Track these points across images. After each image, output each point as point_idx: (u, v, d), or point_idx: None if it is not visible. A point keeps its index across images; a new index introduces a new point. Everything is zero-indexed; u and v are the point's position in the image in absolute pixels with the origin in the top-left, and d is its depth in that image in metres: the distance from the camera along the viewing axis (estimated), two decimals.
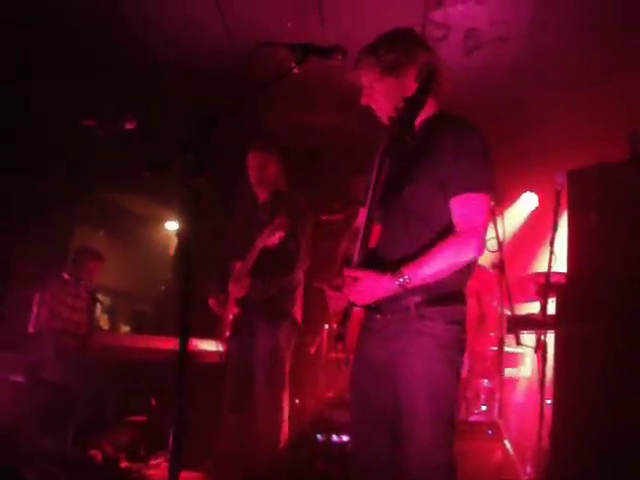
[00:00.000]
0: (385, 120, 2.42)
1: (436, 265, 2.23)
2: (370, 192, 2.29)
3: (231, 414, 4.01)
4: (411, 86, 2.33)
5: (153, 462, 4.92)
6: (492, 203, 2.33)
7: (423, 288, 2.27)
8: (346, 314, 2.41)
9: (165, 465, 4.71)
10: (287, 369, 3.98)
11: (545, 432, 3.71)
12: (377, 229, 2.29)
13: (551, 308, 3.98)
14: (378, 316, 2.37)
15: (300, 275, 4.11)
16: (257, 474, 3.81)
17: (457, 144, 2.29)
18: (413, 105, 2.19)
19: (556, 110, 5.31)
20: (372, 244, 2.29)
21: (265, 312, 3.96)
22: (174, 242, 7.94)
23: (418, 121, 2.32)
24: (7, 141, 5.51)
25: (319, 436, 4.45)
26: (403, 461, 2.26)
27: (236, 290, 4.01)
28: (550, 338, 3.92)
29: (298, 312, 4.11)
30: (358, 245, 2.31)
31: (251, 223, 4.09)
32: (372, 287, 2.25)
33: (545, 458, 3.69)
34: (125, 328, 7.79)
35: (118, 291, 8.17)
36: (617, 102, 4.91)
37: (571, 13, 4.30)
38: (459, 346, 2.34)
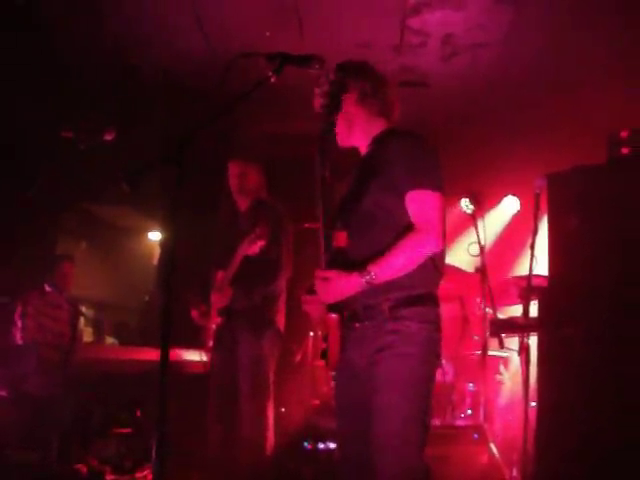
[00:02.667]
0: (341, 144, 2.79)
1: (398, 260, 2.35)
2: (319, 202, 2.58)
3: (216, 424, 4.00)
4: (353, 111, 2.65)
5: (139, 474, 4.90)
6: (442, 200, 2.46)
7: (395, 291, 2.37)
8: (326, 333, 2.48)
9: (151, 477, 4.68)
10: (271, 378, 3.98)
11: (530, 435, 3.72)
12: (343, 235, 2.47)
13: (533, 311, 4.00)
14: (357, 324, 2.46)
15: (282, 284, 4.11)
16: None
17: (403, 149, 2.47)
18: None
19: (536, 114, 5.36)
20: (341, 247, 2.47)
21: (248, 321, 3.96)
22: (157, 252, 7.91)
23: (369, 139, 2.64)
24: None
25: (306, 444, 4.44)
26: (376, 463, 2.29)
27: (218, 300, 4.01)
28: (533, 341, 3.94)
29: (281, 321, 4.11)
30: (321, 250, 2.48)
31: (232, 232, 4.09)
32: (340, 285, 2.37)
33: (531, 461, 3.70)
34: (110, 340, 7.75)
35: (102, 303, 8.13)
36: (596, 105, 4.95)
37: (548, 18, 4.35)
38: (433, 345, 2.43)
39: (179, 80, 5.10)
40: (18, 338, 5.28)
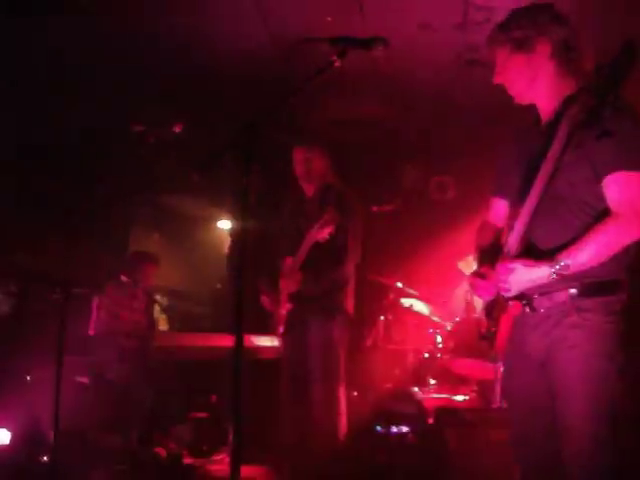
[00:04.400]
0: (519, 100, 2.38)
1: (595, 250, 2.11)
2: (538, 187, 2.15)
3: (289, 408, 4.05)
4: (544, 63, 2.27)
5: (216, 457, 5.02)
6: None
7: (578, 278, 2.16)
8: (492, 308, 2.37)
9: (227, 460, 4.77)
10: (342, 362, 4.00)
11: None
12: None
13: None
14: (532, 312, 2.27)
15: (351, 269, 4.11)
16: (317, 467, 3.84)
17: (611, 123, 2.03)
18: (615, 73, 1.98)
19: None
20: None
21: (317, 306, 3.98)
22: (228, 241, 8.02)
23: (558, 99, 2.25)
24: (63, 150, 5.68)
25: (378, 428, 4.44)
26: (564, 459, 2.19)
27: (288, 286, 4.04)
28: None
29: (350, 305, 4.11)
30: (518, 236, 2.23)
31: (300, 219, 4.11)
32: (526, 276, 2.18)
33: None
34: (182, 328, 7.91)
35: (175, 291, 8.31)
36: None
37: None
38: (619, 339, 2.19)
39: (243, 69, 5.13)
40: (92, 328, 5.45)
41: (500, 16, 4.48)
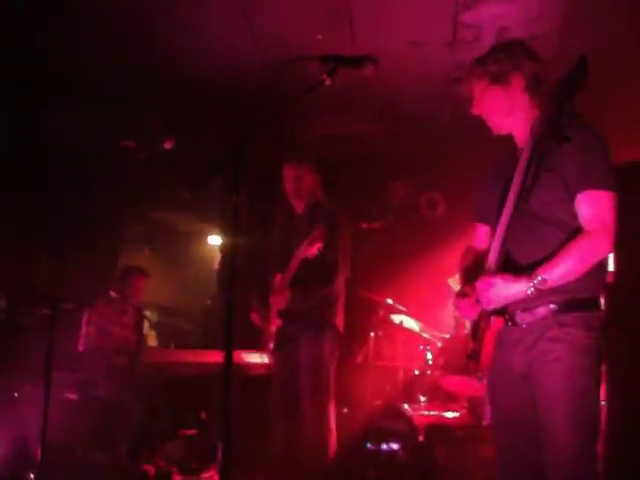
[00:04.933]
0: (496, 130, 2.52)
1: (571, 265, 2.22)
2: (510, 203, 2.28)
3: (279, 425, 4.03)
4: (519, 96, 2.42)
5: (205, 475, 4.97)
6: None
7: (557, 294, 2.26)
8: (477, 328, 2.43)
9: (217, 477, 4.75)
10: (332, 378, 4.00)
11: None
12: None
13: None
14: (514, 327, 2.37)
15: (340, 285, 4.12)
16: None
17: (580, 144, 2.23)
18: (565, 98, 2.12)
19: (591, 106, 5.21)
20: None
21: (307, 323, 3.98)
22: (218, 256, 8.02)
23: (528, 126, 2.34)
24: (48, 164, 5.67)
25: (369, 444, 4.43)
26: (545, 468, 2.26)
27: (278, 302, 4.05)
28: None
29: (340, 321, 4.12)
30: (495, 252, 2.33)
31: (289, 235, 4.12)
32: (506, 290, 2.25)
33: (601, 460, 3.61)
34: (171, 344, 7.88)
35: (165, 307, 8.28)
36: None
37: (606, 9, 4.23)
38: (598, 353, 2.30)
39: (233, 86, 5.16)
40: (81, 344, 5.42)
41: (488, 35, 4.60)
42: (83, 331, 5.45)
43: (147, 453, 5.03)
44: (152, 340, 7.18)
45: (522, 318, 2.35)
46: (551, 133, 2.11)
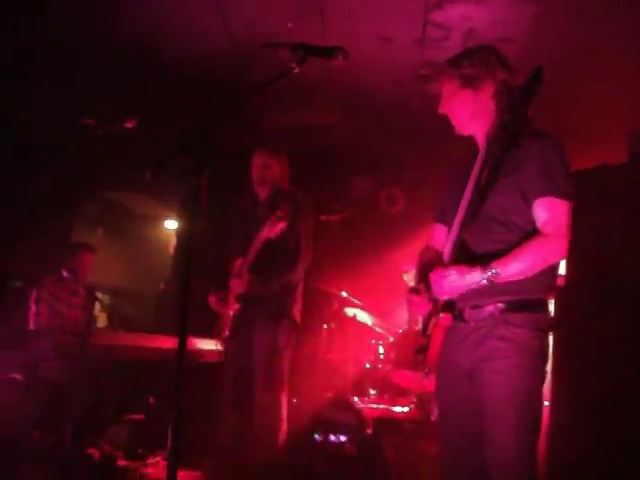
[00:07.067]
0: (459, 130, 2.55)
1: (525, 262, 2.27)
2: (465, 201, 2.35)
3: (230, 413, 4.01)
4: (488, 101, 2.45)
5: (151, 461, 4.92)
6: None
7: (508, 294, 2.31)
8: (427, 324, 2.44)
9: (163, 464, 4.71)
10: (286, 369, 3.99)
11: (542, 434, 3.71)
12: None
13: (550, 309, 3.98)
14: (462, 324, 2.40)
15: (301, 273, 4.11)
16: (255, 473, 3.82)
17: (540, 151, 2.33)
18: (518, 112, 2.18)
19: (558, 108, 5.30)
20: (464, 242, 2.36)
21: (265, 310, 3.96)
22: (174, 241, 7.94)
23: (485, 132, 2.39)
24: (8, 141, 5.53)
25: (317, 436, 4.45)
26: (488, 465, 2.28)
27: (237, 286, 4.01)
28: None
29: (297, 311, 4.11)
30: (449, 245, 2.37)
31: (251, 221, 4.09)
32: (459, 279, 2.27)
33: (544, 459, 3.69)
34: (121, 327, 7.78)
35: (118, 289, 8.17)
36: (619, 100, 4.89)
37: (573, 13, 4.29)
38: (543, 354, 2.36)
39: (202, 71, 5.10)
40: (32, 323, 5.32)
41: (457, 36, 4.63)
42: (33, 310, 5.35)
43: (92, 437, 4.96)
44: (102, 322, 7.09)
45: (470, 315, 2.38)
46: (504, 139, 2.16)
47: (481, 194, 2.27)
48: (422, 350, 2.45)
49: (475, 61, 2.48)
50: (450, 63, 2.54)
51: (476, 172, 2.34)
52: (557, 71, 4.91)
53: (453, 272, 2.28)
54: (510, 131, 2.13)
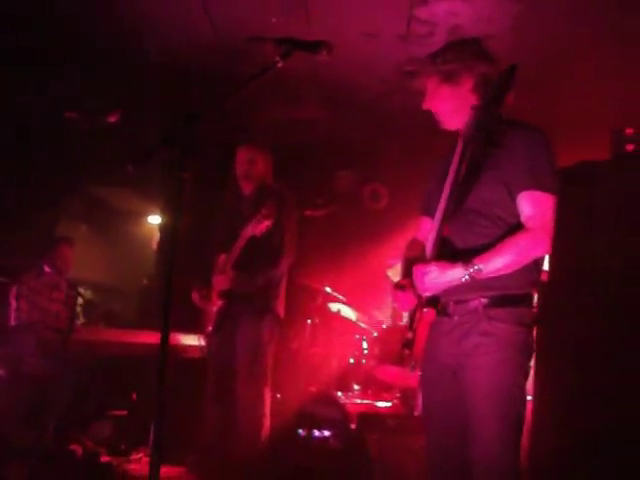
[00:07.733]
0: (444, 126, 2.55)
1: (508, 257, 2.26)
2: (447, 194, 2.34)
3: (213, 408, 4.01)
4: (468, 95, 2.44)
5: (134, 457, 4.91)
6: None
7: (492, 289, 2.31)
8: (413, 319, 2.43)
9: (146, 460, 4.69)
10: (269, 364, 3.99)
11: (525, 429, 3.73)
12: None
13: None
14: (446, 319, 2.40)
15: (284, 269, 4.11)
16: (239, 469, 3.82)
17: (526, 144, 2.33)
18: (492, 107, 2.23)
19: (541, 106, 5.33)
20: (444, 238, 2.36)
21: (248, 305, 3.96)
22: (157, 236, 7.90)
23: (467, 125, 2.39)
24: None
25: (300, 431, 4.45)
26: (471, 460, 2.29)
27: (220, 282, 4.01)
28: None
29: (281, 306, 4.11)
30: (431, 241, 2.37)
31: (235, 217, 4.08)
32: (441, 275, 2.26)
33: (525, 455, 3.71)
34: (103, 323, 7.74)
35: (101, 285, 8.12)
36: (604, 100, 4.92)
37: (557, 10, 4.31)
38: (527, 349, 2.36)
39: (185, 65, 5.07)
40: (12, 318, 5.29)
41: (442, 32, 4.63)
42: (13, 305, 5.31)
43: (75, 433, 4.94)
44: (85, 317, 7.04)
45: (454, 310, 2.38)
46: (479, 135, 2.18)
47: (460, 189, 2.29)
48: (408, 344, 2.44)
49: (451, 56, 2.48)
50: (430, 59, 2.54)
51: (454, 168, 2.35)
52: (541, 68, 4.96)
53: (434, 268, 2.27)
54: (484, 130, 2.16)
